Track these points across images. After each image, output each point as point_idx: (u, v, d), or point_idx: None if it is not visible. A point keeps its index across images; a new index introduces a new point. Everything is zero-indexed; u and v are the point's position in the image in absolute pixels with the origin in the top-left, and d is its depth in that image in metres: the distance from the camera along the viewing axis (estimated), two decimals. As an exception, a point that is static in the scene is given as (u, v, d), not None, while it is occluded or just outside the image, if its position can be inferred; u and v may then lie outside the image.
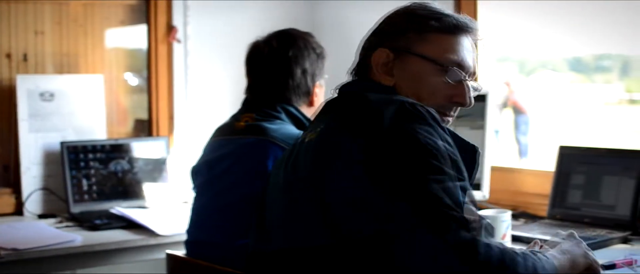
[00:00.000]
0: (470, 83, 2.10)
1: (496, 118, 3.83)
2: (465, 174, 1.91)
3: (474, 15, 3.91)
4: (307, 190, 1.90)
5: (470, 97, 2.10)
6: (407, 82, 2.04)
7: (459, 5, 3.94)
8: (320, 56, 3.07)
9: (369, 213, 1.77)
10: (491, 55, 4.07)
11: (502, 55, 4.65)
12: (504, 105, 10.74)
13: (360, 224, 1.78)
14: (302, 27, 3.20)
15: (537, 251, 1.97)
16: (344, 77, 2.19)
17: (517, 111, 11.15)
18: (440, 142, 1.83)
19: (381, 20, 2.13)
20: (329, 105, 2.14)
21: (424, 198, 1.73)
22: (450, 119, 2.13)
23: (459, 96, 2.08)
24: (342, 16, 4.62)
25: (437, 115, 1.91)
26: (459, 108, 2.14)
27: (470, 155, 2.00)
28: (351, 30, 4.47)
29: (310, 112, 3.00)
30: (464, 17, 2.09)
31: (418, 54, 2.01)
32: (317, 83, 3.05)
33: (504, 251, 1.73)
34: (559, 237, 2.27)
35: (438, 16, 2.04)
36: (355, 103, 1.96)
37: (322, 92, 3.07)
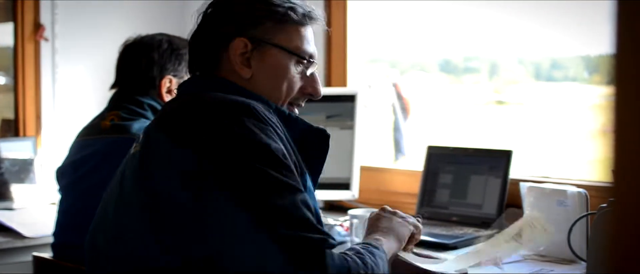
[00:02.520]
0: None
1: (383, 117, 3.86)
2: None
3: (343, 15, 3.94)
4: (133, 207, 1.80)
5: (320, 88, 2.10)
6: (266, 74, 1.98)
7: (329, 5, 3.96)
8: (176, 53, 3.02)
9: (204, 231, 1.69)
10: (363, 56, 4.11)
11: (374, 56, 4.69)
12: (401, 107, 10.87)
13: (195, 242, 1.70)
14: (171, 26, 3.19)
15: (367, 243, 2.00)
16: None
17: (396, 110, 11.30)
18: (281, 146, 1.76)
19: (228, 8, 2.04)
20: (163, 109, 2.07)
21: (268, 214, 1.66)
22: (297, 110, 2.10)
23: (311, 87, 2.06)
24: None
25: (274, 118, 1.85)
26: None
27: (320, 138, 1.98)
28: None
29: None
30: (309, 6, 2.07)
31: (278, 45, 1.97)
32: (168, 76, 3.00)
33: (349, 267, 1.73)
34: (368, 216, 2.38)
35: (291, 5, 2.01)
36: (181, 106, 1.88)
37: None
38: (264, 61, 1.98)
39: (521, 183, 3.09)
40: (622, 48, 0.56)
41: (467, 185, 3.42)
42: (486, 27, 4.44)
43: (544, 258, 2.88)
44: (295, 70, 2.01)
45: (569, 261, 2.81)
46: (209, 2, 2.10)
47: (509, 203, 3.28)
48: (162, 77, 2.99)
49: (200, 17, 2.09)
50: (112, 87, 3.06)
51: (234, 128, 1.72)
